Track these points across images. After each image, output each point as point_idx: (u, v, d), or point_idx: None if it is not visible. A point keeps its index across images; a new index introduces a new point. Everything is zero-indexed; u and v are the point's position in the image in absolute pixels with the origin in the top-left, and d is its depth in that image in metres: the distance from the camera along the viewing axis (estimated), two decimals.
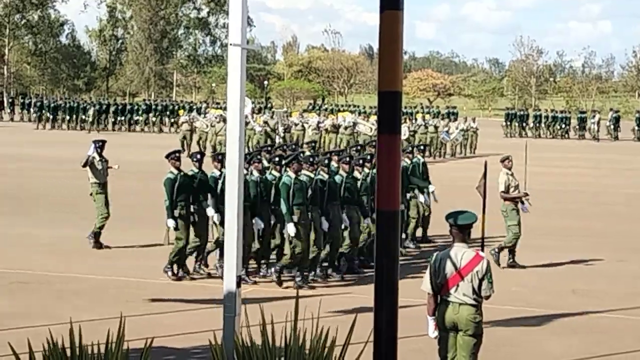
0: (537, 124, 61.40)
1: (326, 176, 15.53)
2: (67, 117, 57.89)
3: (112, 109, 59.48)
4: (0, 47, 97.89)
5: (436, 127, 43.00)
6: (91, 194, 18.31)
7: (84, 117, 57.34)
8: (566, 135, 60.01)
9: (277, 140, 37.91)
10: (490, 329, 10.73)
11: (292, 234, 14.69)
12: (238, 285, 8.79)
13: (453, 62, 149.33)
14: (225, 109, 32.41)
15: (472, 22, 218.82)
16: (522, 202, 17.18)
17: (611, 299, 14.63)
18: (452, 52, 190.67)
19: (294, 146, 21.62)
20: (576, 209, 25.79)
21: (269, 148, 18.56)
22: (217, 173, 15.55)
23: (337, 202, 15.55)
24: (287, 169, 15.27)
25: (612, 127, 59.55)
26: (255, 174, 15.33)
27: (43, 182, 29.10)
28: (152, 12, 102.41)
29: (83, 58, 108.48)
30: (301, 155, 16.53)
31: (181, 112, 45.75)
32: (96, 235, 18.03)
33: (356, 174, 16.31)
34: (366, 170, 16.54)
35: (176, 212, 15.26)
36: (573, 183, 32.27)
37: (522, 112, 64.42)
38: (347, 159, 16.28)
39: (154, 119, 58.29)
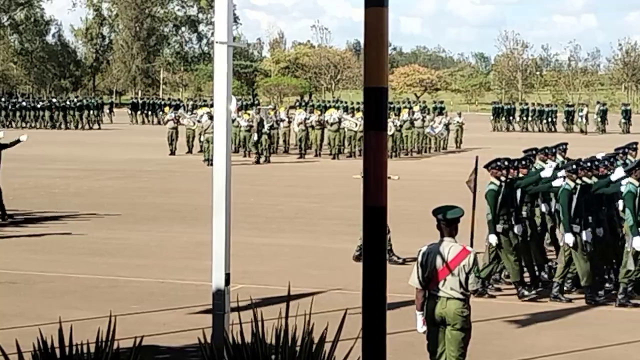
0: (524, 118, 61.66)
1: None
2: None
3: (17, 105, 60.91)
4: None
5: (423, 121, 42.96)
6: None
7: None
8: (553, 129, 60.19)
9: (263, 137, 37.69)
10: (479, 323, 10.76)
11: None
12: (227, 283, 8.80)
13: (439, 57, 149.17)
14: (212, 106, 32.26)
15: (457, 17, 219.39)
16: None
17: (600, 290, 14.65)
18: (438, 47, 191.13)
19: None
20: None
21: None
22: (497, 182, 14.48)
23: None
24: (630, 175, 13.55)
25: (599, 120, 59.76)
26: (579, 181, 14.04)
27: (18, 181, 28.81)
28: (138, 10, 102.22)
29: (69, 57, 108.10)
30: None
31: (167, 109, 45.59)
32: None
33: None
34: None
35: (499, 227, 14.16)
36: None
37: (509, 106, 64.72)
38: None
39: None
